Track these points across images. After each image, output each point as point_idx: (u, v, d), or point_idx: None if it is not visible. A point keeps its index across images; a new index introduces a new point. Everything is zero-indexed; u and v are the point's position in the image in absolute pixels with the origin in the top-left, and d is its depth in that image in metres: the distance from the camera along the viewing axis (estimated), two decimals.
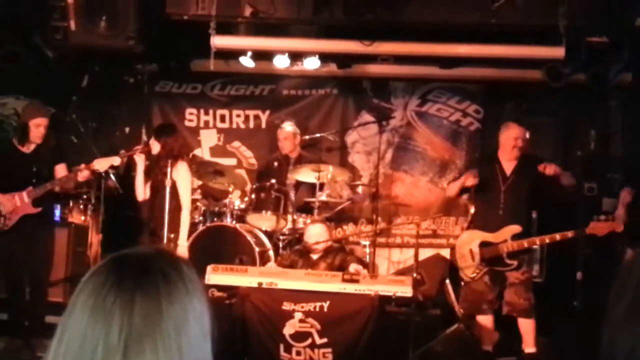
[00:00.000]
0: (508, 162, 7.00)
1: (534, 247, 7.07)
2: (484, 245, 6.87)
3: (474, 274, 6.88)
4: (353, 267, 6.94)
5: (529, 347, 6.71)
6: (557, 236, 6.63)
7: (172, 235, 7.05)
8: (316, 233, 7.30)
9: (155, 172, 7.17)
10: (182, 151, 7.45)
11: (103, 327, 1.27)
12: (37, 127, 7.07)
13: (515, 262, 6.73)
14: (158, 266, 1.35)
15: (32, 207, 7.00)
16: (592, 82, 8.12)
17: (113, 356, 1.26)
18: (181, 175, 7.20)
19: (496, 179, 6.96)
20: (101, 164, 7.11)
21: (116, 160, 7.24)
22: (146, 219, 7.36)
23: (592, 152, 8.95)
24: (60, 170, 7.16)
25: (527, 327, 6.73)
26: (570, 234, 6.61)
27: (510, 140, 6.98)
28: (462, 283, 7.13)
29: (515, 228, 6.77)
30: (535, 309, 6.74)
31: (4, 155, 7.27)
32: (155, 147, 7.24)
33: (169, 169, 7.00)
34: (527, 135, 7.03)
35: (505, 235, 6.78)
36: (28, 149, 7.17)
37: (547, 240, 6.73)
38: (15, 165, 7.13)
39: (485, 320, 6.99)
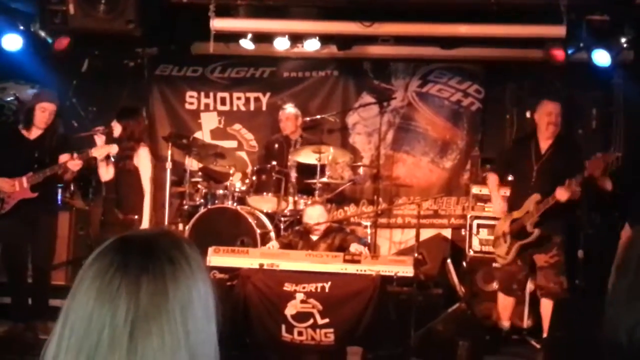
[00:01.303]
0: (544, 141, 6.89)
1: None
2: (512, 223, 6.84)
3: (507, 254, 6.82)
4: (354, 247, 6.96)
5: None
6: (565, 194, 6.47)
7: (137, 217, 7.15)
8: (316, 214, 7.32)
9: (117, 154, 7.21)
10: (143, 135, 7.49)
11: (109, 310, 1.27)
12: (43, 112, 7.11)
13: (536, 231, 6.62)
14: (162, 248, 1.35)
15: (30, 192, 7.02)
16: (593, 61, 8.08)
17: (120, 338, 1.26)
18: (142, 161, 7.26)
19: (529, 158, 6.86)
20: (99, 152, 7.14)
21: (114, 148, 7.25)
22: (113, 200, 7.39)
23: (593, 130, 8.92)
24: (64, 159, 7.16)
25: (550, 311, 6.55)
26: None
27: (544, 117, 6.85)
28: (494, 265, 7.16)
29: (535, 197, 6.69)
30: (567, 292, 6.66)
31: (7, 139, 7.31)
32: (117, 129, 7.28)
33: (133, 153, 7.16)
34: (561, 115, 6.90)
35: (528, 207, 6.72)
36: (33, 135, 7.20)
37: (551, 201, 6.51)
38: (18, 151, 7.15)
39: (507, 300, 7.00)
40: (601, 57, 8.01)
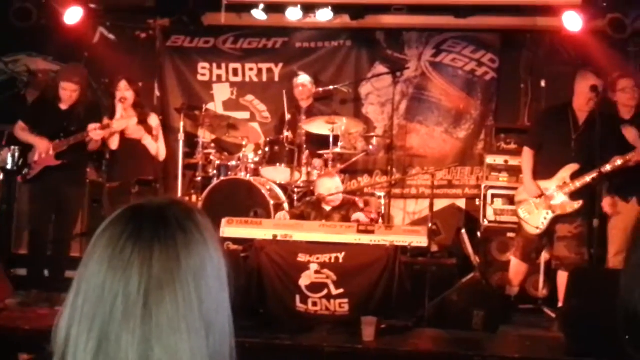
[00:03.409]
0: (582, 112, 6.81)
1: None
2: (549, 193, 6.79)
3: (542, 224, 6.76)
4: (356, 217, 6.99)
5: None
6: (619, 161, 6.44)
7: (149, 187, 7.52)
8: (328, 185, 7.31)
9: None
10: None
11: (122, 278, 1.27)
12: (64, 90, 7.36)
13: (581, 202, 6.61)
14: (175, 216, 1.34)
15: (54, 160, 7.19)
16: (610, 29, 7.99)
17: (134, 306, 1.25)
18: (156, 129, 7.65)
19: (567, 127, 6.78)
20: (120, 123, 7.26)
21: (133, 120, 7.35)
22: (125, 170, 7.60)
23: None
24: (90, 129, 7.27)
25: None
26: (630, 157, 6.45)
27: (586, 90, 6.73)
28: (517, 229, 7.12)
29: (572, 166, 6.64)
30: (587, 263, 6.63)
31: (44, 108, 7.52)
32: (130, 96, 7.56)
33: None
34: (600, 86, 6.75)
35: (564, 177, 6.68)
36: (64, 105, 7.40)
37: (609, 168, 6.47)
38: (51, 119, 7.37)
39: (521, 267, 6.98)
40: (617, 25, 7.91)
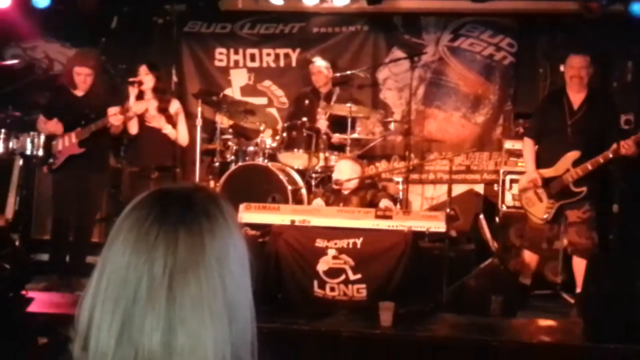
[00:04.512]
0: (574, 95, 6.80)
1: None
2: (548, 182, 6.76)
3: (546, 215, 6.76)
4: (384, 203, 6.95)
5: None
6: (622, 149, 6.37)
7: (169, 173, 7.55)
8: (345, 170, 7.30)
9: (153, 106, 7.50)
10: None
11: (147, 260, 1.27)
12: (78, 75, 7.35)
13: (584, 189, 6.59)
14: (200, 201, 1.35)
15: (78, 148, 7.21)
16: (628, 13, 7.92)
17: (158, 289, 1.26)
18: (177, 114, 7.67)
19: (563, 113, 6.76)
20: (138, 107, 7.29)
21: (152, 104, 7.37)
22: (144, 155, 7.68)
23: (628, 83, 8.76)
24: (110, 114, 7.28)
25: (582, 267, 6.44)
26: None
27: (569, 70, 6.81)
28: (528, 224, 7.08)
29: (574, 154, 6.61)
30: (597, 248, 6.60)
31: (59, 96, 7.51)
32: (149, 81, 7.56)
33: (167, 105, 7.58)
34: (591, 69, 6.80)
35: (566, 165, 6.65)
36: (80, 91, 7.40)
37: (611, 155, 6.45)
38: (69, 107, 7.37)
39: (532, 257, 6.97)
40: (637, 8, 7.84)
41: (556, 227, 6.90)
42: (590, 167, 6.53)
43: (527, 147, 7.07)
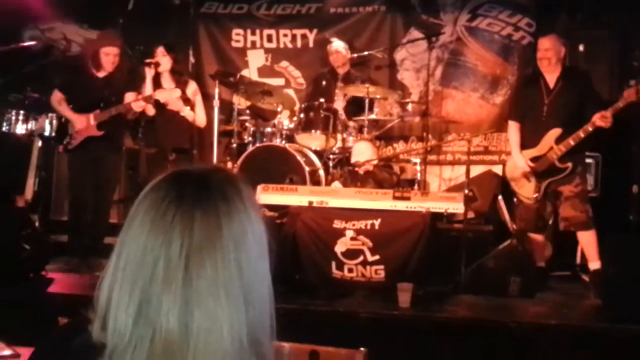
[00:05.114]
0: (549, 75, 6.79)
1: (588, 155, 6.82)
2: (533, 161, 6.75)
3: (536, 194, 6.75)
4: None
5: (593, 262, 6.50)
6: (597, 121, 6.37)
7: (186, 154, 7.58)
8: (362, 151, 7.29)
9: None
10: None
11: (164, 241, 1.28)
12: (107, 56, 7.35)
13: (569, 165, 6.57)
14: (217, 184, 1.35)
15: (96, 130, 7.22)
16: None
17: (175, 270, 1.27)
18: (195, 96, 7.70)
19: (540, 93, 6.76)
20: (163, 95, 7.30)
21: (177, 92, 7.39)
22: (162, 137, 7.68)
23: None
24: (129, 98, 7.33)
25: (587, 239, 6.56)
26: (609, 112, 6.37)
27: (537, 53, 6.85)
28: (516, 201, 7.06)
29: (555, 131, 6.60)
30: (593, 221, 6.61)
31: (79, 77, 7.51)
32: (166, 62, 7.62)
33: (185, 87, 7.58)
34: (562, 48, 6.77)
35: (549, 142, 6.64)
36: (102, 73, 7.39)
37: (590, 128, 6.43)
38: (88, 88, 7.36)
39: (538, 237, 6.95)
40: None
41: (550, 206, 6.88)
42: (572, 143, 6.53)
43: (512, 130, 7.06)
